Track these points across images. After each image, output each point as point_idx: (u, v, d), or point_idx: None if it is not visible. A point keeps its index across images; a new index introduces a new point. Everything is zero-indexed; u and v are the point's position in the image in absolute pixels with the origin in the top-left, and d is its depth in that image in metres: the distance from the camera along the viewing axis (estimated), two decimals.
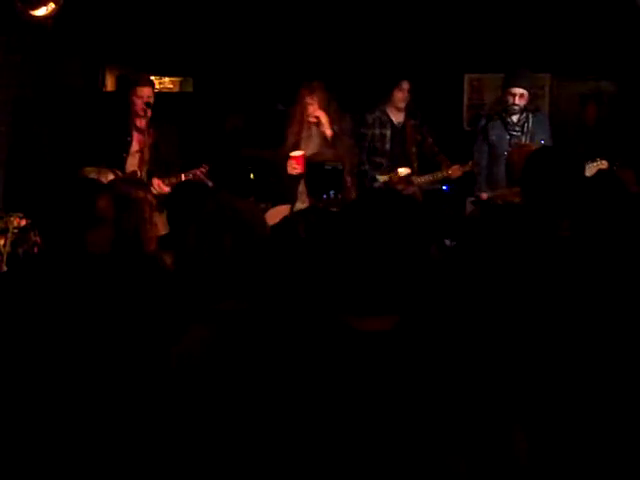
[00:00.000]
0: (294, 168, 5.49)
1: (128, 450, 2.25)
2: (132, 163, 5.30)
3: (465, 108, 7.51)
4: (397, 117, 6.14)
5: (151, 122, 5.31)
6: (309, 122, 5.63)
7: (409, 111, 6.13)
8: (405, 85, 6.02)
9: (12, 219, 4.14)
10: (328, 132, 5.54)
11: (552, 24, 6.74)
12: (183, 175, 5.14)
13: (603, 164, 4.90)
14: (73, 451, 2.32)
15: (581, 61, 6.85)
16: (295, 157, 5.52)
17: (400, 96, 6.03)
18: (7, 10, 5.50)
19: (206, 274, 2.14)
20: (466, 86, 7.51)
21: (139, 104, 5.25)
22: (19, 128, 6.53)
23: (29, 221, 4.13)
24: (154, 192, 5.00)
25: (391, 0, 6.98)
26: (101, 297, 2.49)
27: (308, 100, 5.60)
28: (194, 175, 5.12)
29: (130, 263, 2.83)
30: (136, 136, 5.35)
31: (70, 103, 7.10)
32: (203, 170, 5.16)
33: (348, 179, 3.82)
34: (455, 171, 5.78)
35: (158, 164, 5.32)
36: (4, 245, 4.06)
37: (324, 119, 5.56)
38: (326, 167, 3.34)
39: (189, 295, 2.23)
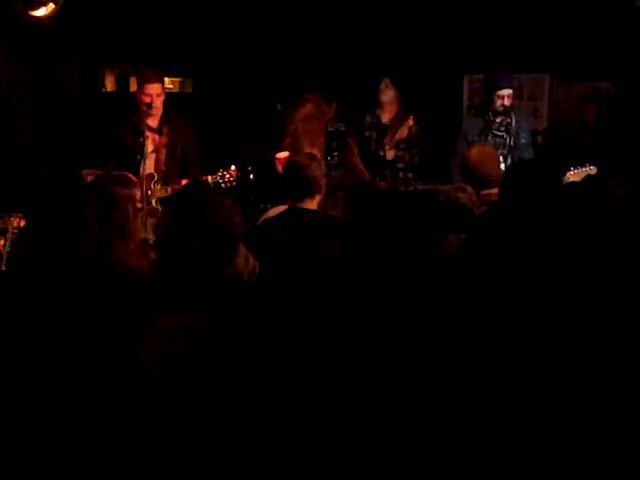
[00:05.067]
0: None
1: (116, 450, 2.24)
2: (148, 166, 4.98)
3: (465, 109, 7.51)
4: (385, 117, 6.12)
5: (166, 120, 5.07)
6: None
7: (400, 109, 6.09)
8: (383, 84, 6.03)
9: (12, 219, 4.12)
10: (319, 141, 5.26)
11: (552, 24, 6.74)
12: (210, 177, 4.86)
13: (592, 170, 4.96)
14: (58, 451, 2.31)
15: (581, 61, 6.85)
16: (280, 159, 5.29)
17: (382, 95, 6.04)
18: (7, 10, 5.50)
19: (172, 268, 2.19)
20: (466, 87, 7.51)
21: (147, 102, 4.96)
22: (18, 128, 6.53)
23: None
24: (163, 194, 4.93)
25: (391, 2, 6.99)
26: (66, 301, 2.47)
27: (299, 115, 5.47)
28: (222, 177, 4.86)
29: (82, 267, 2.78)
30: (150, 136, 5.00)
31: (69, 103, 7.11)
32: (233, 173, 4.91)
33: (351, 142, 3.83)
34: None
35: (175, 165, 5.07)
36: (4, 245, 4.05)
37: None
38: (329, 129, 3.32)
39: (158, 288, 2.27)
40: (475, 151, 4.45)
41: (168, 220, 2.28)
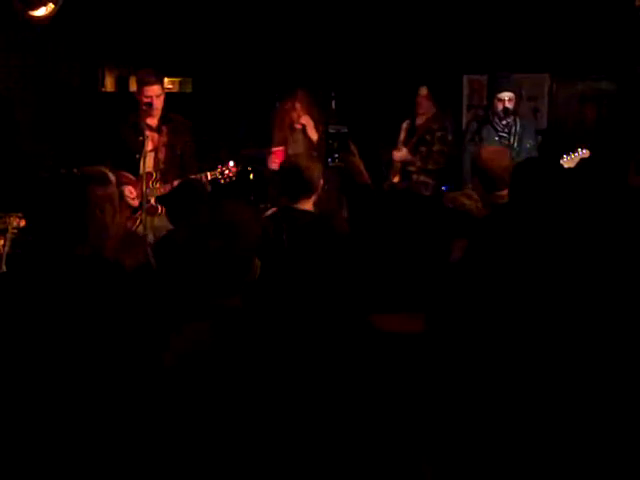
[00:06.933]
0: (274, 162, 5.57)
1: (125, 451, 2.24)
2: (147, 164, 4.99)
3: (464, 109, 7.51)
4: (419, 120, 6.15)
5: (165, 120, 5.07)
6: (295, 128, 5.76)
7: (433, 114, 6.12)
8: (422, 91, 6.08)
9: (11, 219, 4.12)
10: (314, 137, 5.65)
11: (551, 24, 6.74)
12: (209, 174, 4.89)
13: (585, 154, 4.92)
14: (68, 452, 2.30)
15: (580, 61, 6.86)
16: (275, 152, 5.64)
17: (418, 104, 6.09)
18: (6, 10, 5.50)
19: (190, 274, 2.19)
20: (465, 87, 7.51)
21: (147, 102, 4.95)
22: (17, 128, 6.53)
23: None
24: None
25: (390, 1, 6.99)
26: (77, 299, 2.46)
27: (291, 106, 5.77)
28: (222, 174, 4.89)
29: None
30: (150, 135, 4.98)
31: (69, 104, 7.11)
32: (232, 169, 4.92)
33: (352, 146, 3.87)
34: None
35: (174, 164, 5.06)
36: (3, 245, 4.05)
37: (309, 124, 5.69)
38: (330, 131, 3.35)
39: (175, 293, 2.25)
40: (487, 151, 4.32)
41: (189, 229, 2.26)
